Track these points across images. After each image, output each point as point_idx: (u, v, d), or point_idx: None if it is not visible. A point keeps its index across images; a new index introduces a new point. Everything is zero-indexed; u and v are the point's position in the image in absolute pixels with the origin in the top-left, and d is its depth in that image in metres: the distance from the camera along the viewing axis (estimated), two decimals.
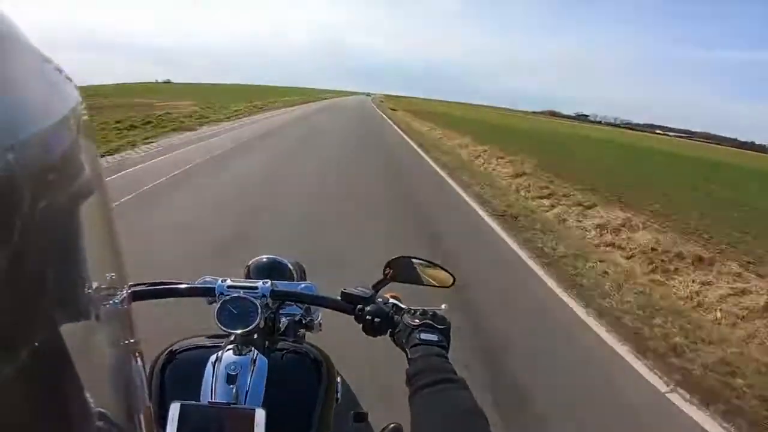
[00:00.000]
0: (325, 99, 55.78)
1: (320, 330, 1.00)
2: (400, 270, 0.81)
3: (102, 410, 0.28)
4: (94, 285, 0.29)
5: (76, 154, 0.26)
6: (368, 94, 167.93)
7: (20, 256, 0.19)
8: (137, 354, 0.34)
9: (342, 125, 18.17)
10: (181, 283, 0.79)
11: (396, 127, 19.19)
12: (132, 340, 0.34)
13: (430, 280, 0.83)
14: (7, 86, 0.21)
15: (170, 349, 0.76)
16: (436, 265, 0.83)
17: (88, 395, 0.25)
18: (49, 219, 0.21)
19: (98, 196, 0.29)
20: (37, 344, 0.20)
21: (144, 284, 0.78)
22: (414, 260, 0.82)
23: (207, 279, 0.79)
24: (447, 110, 50.14)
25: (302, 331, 0.97)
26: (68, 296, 0.25)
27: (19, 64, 0.23)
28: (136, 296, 0.74)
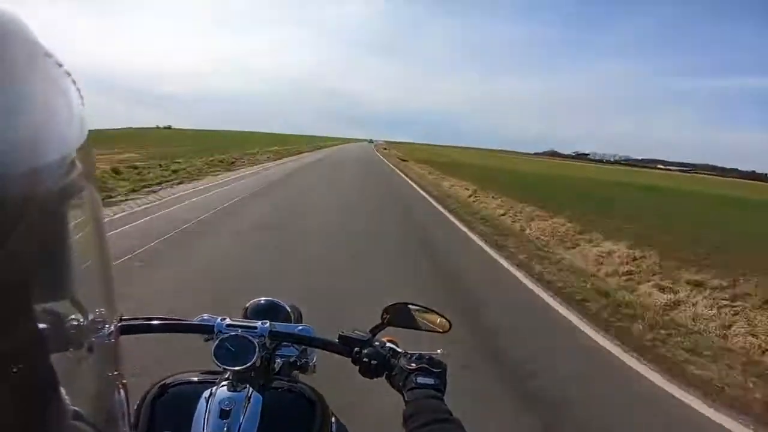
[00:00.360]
0: (321, 148, 45.17)
1: (314, 372, 0.98)
2: (397, 315, 0.84)
3: (77, 409, 0.28)
4: (84, 317, 0.30)
5: (71, 158, 0.26)
6: (371, 141, 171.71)
7: (8, 263, 0.20)
8: (120, 386, 0.35)
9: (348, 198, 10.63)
10: (179, 320, 0.82)
11: (428, 197, 11.90)
12: (116, 373, 0.34)
13: (428, 324, 0.85)
14: (6, 81, 0.22)
15: (162, 382, 0.75)
16: (432, 311, 0.86)
17: (64, 395, 0.26)
18: (39, 222, 0.23)
19: (95, 225, 0.30)
20: (20, 359, 0.21)
21: (142, 319, 0.79)
22: (411, 306, 0.85)
23: (205, 317, 0.80)
24: (457, 157, 49.06)
25: (296, 372, 0.95)
26: (56, 323, 0.27)
27: (20, 59, 0.23)
28: (135, 330, 0.76)
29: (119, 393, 0.35)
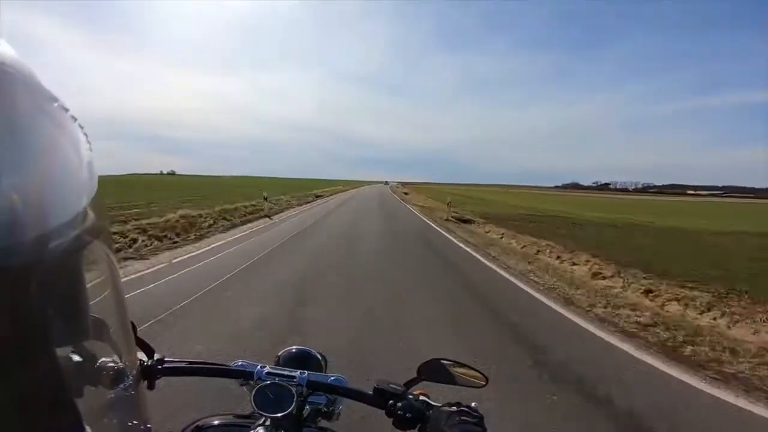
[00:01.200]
0: (326, 195, 33.58)
1: (337, 420, 0.99)
2: (432, 371, 0.83)
3: None
4: (106, 366, 0.31)
5: (83, 209, 0.26)
6: (386, 183, 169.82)
7: (24, 317, 0.21)
8: (124, 426, 0.35)
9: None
10: (219, 365, 0.83)
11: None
12: (137, 422, 0.34)
13: (464, 379, 0.84)
14: (14, 129, 0.21)
15: (196, 424, 0.78)
16: (467, 366, 0.84)
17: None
18: (51, 279, 0.23)
19: (110, 274, 0.31)
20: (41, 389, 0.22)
21: (185, 362, 0.81)
22: (444, 362, 0.84)
23: (241, 363, 0.83)
24: (488, 197, 42.90)
25: (320, 419, 0.97)
26: (71, 341, 0.27)
27: (25, 105, 0.23)
28: (178, 372, 0.79)
29: None
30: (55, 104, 0.26)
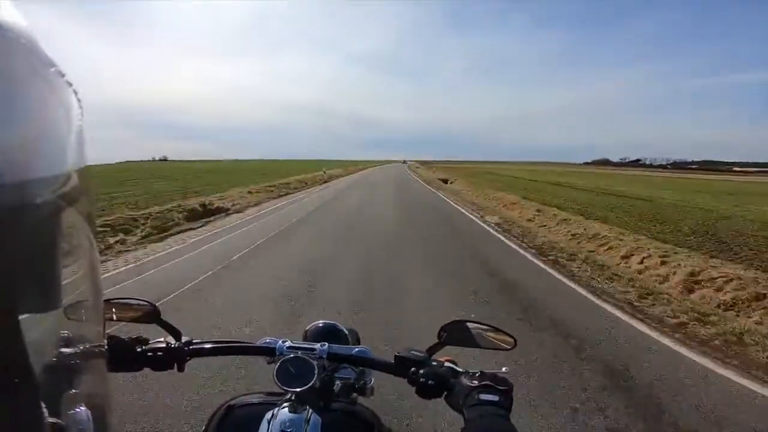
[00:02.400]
0: (340, 176, 33.25)
1: (372, 395, 0.97)
2: (455, 333, 0.82)
3: (57, 421, 0.28)
4: (71, 341, 0.31)
5: (68, 171, 0.27)
6: (404, 162, 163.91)
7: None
8: (85, 405, 0.34)
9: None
10: (243, 343, 0.84)
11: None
12: (79, 391, 0.34)
13: (489, 342, 0.82)
14: (6, 86, 0.22)
15: (229, 404, 0.80)
16: (493, 328, 0.83)
17: (44, 408, 0.27)
18: (30, 233, 0.23)
19: (87, 242, 0.31)
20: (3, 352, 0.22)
21: (208, 342, 0.84)
22: (469, 324, 0.82)
23: (267, 340, 0.83)
24: (509, 173, 39.95)
25: (355, 394, 0.96)
26: (38, 307, 0.27)
27: (21, 66, 0.24)
28: (203, 353, 0.83)
29: (88, 413, 0.34)
30: (52, 69, 0.27)
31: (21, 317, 0.24)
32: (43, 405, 0.26)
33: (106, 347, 0.39)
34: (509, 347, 0.81)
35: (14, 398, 0.24)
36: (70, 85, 0.28)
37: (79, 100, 0.29)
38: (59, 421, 0.29)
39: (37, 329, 0.26)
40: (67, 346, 0.31)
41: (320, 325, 1.04)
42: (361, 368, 0.90)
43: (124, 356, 0.77)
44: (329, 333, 1.01)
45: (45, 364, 0.28)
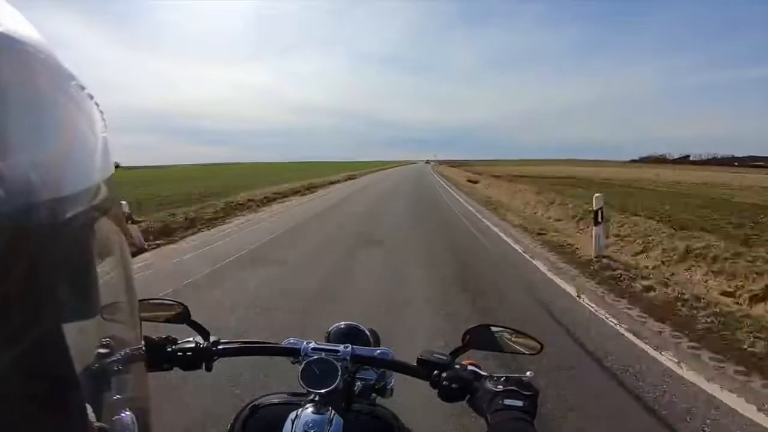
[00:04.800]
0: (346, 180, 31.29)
1: (391, 395, 1.03)
2: (479, 337, 0.84)
3: (103, 425, 0.31)
4: (106, 340, 0.33)
5: (97, 184, 0.29)
6: (427, 162, 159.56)
7: (32, 272, 0.22)
8: (129, 409, 0.36)
9: None
10: (268, 343, 0.91)
11: None
12: (123, 396, 0.37)
13: (513, 346, 0.84)
14: (32, 105, 0.23)
15: (253, 403, 0.84)
16: (519, 332, 0.85)
17: (90, 413, 0.29)
18: (62, 237, 0.25)
19: (120, 249, 0.34)
20: (46, 359, 0.24)
21: (235, 342, 0.91)
22: (494, 328, 0.85)
23: (291, 341, 0.89)
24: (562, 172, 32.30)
25: (374, 395, 1.02)
26: (79, 317, 0.29)
27: (44, 83, 0.25)
28: (229, 353, 0.89)
29: (132, 416, 0.36)
30: (73, 83, 0.28)
31: (63, 326, 0.25)
32: (90, 409, 0.28)
33: (143, 349, 0.40)
34: (535, 352, 0.83)
35: (61, 407, 0.25)
36: (92, 98, 0.30)
37: (101, 113, 0.30)
38: (105, 425, 0.31)
39: (79, 337, 0.28)
40: (108, 351, 0.33)
41: (342, 326, 1.10)
42: (382, 370, 0.94)
43: (156, 356, 0.83)
44: (351, 334, 1.06)
45: (88, 371, 0.30)
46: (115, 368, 0.35)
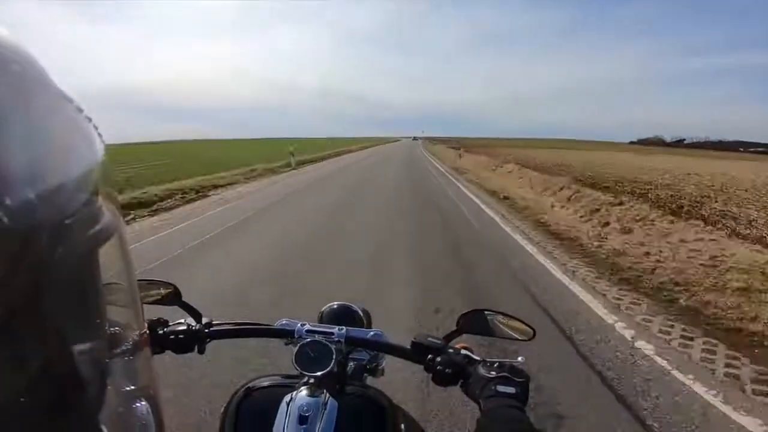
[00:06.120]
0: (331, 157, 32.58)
1: (382, 375, 1.09)
2: (473, 322, 0.87)
3: (117, 423, 0.31)
4: (111, 330, 0.33)
5: (95, 197, 0.29)
6: (414, 138, 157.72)
7: (37, 298, 0.23)
8: (143, 398, 0.37)
9: None
10: (260, 325, 0.93)
11: None
12: (135, 386, 0.37)
13: (506, 331, 0.87)
14: (29, 130, 0.23)
15: (247, 386, 0.85)
16: (512, 317, 0.88)
17: (101, 424, 0.29)
18: (66, 265, 0.25)
19: (118, 245, 0.33)
20: (54, 377, 0.24)
21: (228, 323, 0.92)
22: (487, 312, 0.87)
23: (284, 322, 0.90)
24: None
25: (366, 375, 1.06)
26: (86, 336, 0.29)
27: (41, 106, 0.25)
28: (223, 335, 0.90)
29: (147, 406, 0.37)
30: (70, 105, 0.28)
31: (69, 330, 0.26)
32: (102, 404, 0.29)
33: (147, 332, 0.41)
34: (527, 338, 0.86)
35: (70, 407, 0.26)
36: (90, 120, 0.30)
37: (100, 135, 0.30)
38: (120, 423, 0.32)
39: (85, 338, 0.28)
40: (115, 343, 0.33)
41: (335, 306, 1.17)
42: (375, 351, 0.98)
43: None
44: (344, 314, 1.14)
45: (99, 368, 0.30)
46: (124, 357, 0.35)
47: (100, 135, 0.31)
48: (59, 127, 0.26)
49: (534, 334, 0.84)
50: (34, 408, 0.23)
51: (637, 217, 7.09)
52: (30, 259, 0.22)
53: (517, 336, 0.86)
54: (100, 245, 0.29)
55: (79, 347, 0.26)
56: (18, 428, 0.22)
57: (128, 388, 0.36)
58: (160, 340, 0.84)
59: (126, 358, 0.35)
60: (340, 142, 77.36)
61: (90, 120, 0.30)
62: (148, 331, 0.41)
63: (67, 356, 0.25)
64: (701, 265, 4.93)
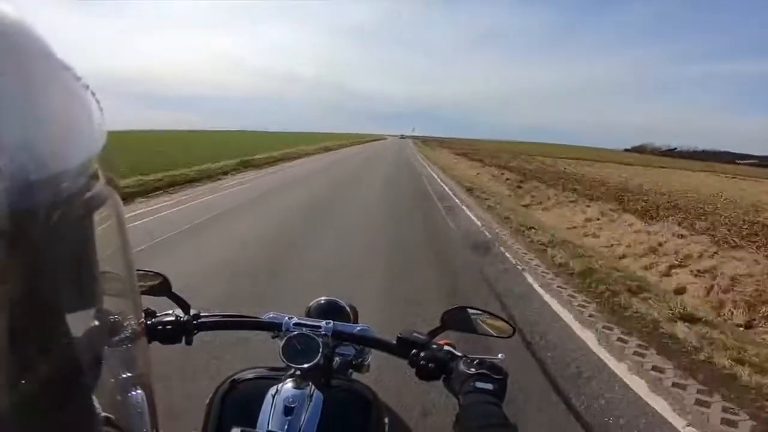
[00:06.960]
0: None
1: (368, 371, 1.12)
2: (456, 319, 0.90)
3: (108, 415, 0.32)
4: (110, 318, 0.34)
5: (92, 164, 0.29)
6: (402, 137, 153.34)
7: (36, 268, 0.23)
8: (138, 386, 0.38)
9: None
10: (250, 318, 0.94)
11: None
12: (132, 374, 0.38)
13: (487, 329, 0.91)
14: (27, 99, 0.24)
15: (233, 377, 0.86)
16: (493, 315, 0.91)
17: (96, 404, 0.30)
18: (67, 231, 0.26)
19: (119, 233, 0.34)
20: (53, 357, 0.25)
21: (216, 315, 0.93)
22: (470, 310, 0.91)
23: (272, 315, 0.92)
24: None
25: (351, 371, 1.09)
26: (83, 322, 0.30)
27: (38, 75, 0.25)
28: (210, 326, 0.90)
29: (142, 394, 0.37)
30: (68, 72, 0.28)
31: (67, 316, 0.26)
32: (95, 399, 0.29)
33: (143, 322, 0.41)
34: (506, 336, 0.90)
35: (67, 394, 0.26)
36: (88, 87, 0.30)
37: (98, 102, 0.31)
38: (111, 415, 0.32)
39: (83, 323, 0.29)
40: (112, 332, 0.34)
41: (322, 301, 1.19)
42: (360, 346, 1.03)
43: None
44: (331, 309, 1.16)
45: (95, 356, 0.30)
46: (122, 346, 0.36)
47: (98, 102, 0.31)
48: (59, 95, 0.27)
49: (514, 332, 0.90)
50: (34, 394, 0.23)
51: None
52: (25, 222, 0.22)
53: (496, 334, 0.90)
54: (94, 210, 0.29)
55: (77, 331, 0.27)
56: (18, 412, 0.22)
57: (125, 376, 0.37)
58: (148, 330, 0.84)
59: (124, 347, 0.36)
60: (290, 138, 69.66)
61: (88, 87, 0.30)
62: (144, 319, 0.43)
63: (64, 340, 0.26)
64: None
